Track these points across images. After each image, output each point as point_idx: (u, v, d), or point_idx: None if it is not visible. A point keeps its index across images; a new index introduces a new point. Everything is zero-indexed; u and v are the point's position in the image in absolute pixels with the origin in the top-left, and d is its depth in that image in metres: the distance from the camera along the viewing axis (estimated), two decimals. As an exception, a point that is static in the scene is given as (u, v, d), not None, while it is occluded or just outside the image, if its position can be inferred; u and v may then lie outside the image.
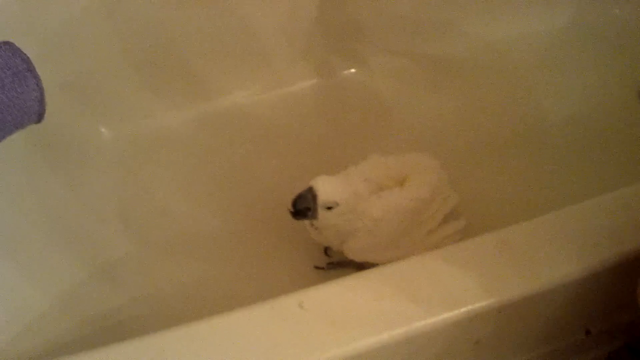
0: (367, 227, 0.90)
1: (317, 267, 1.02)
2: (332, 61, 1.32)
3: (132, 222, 1.08)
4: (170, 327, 0.68)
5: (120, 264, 1.01)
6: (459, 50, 1.34)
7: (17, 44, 0.57)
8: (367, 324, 0.68)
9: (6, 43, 0.54)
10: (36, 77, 0.50)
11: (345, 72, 1.32)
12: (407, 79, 1.32)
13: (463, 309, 0.69)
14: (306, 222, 0.92)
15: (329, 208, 0.87)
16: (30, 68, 0.51)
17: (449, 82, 1.32)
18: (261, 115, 1.26)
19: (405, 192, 0.92)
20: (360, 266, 0.96)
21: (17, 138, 0.68)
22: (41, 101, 0.52)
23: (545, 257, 0.74)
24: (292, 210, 0.88)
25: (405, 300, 0.70)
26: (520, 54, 1.35)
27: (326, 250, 1.02)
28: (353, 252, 0.94)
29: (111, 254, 1.02)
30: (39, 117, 0.54)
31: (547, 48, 1.36)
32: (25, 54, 0.52)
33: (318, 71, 1.31)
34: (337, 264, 0.99)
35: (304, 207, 0.88)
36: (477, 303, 0.69)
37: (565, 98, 1.28)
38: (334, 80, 1.31)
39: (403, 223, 0.92)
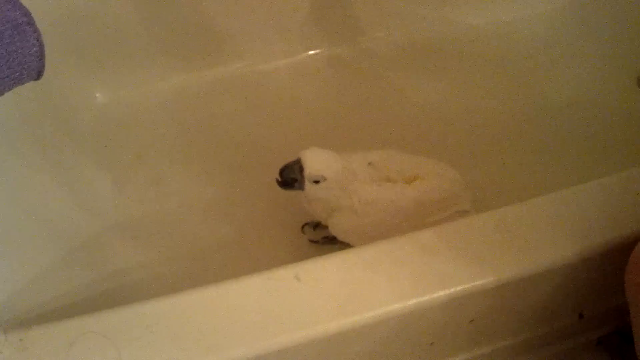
0: (354, 207, 0.89)
1: (311, 241, 1.01)
2: (339, 33, 1.31)
3: (127, 190, 1.07)
4: (165, 295, 0.67)
5: (113, 231, 1.01)
6: (458, 35, 1.34)
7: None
8: (362, 299, 0.68)
9: (6, -5, 0.52)
10: (36, 31, 0.49)
11: (349, 46, 1.31)
12: (405, 62, 1.31)
13: (459, 288, 0.69)
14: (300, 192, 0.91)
15: (317, 182, 0.86)
16: (30, 22, 0.49)
17: (447, 66, 1.31)
18: (263, 84, 1.25)
19: (407, 190, 0.90)
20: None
21: (12, 97, 0.67)
22: (41, 57, 0.50)
23: (542, 239, 0.74)
24: (279, 179, 0.88)
25: (402, 276, 0.69)
26: (520, 38, 1.34)
27: (304, 225, 1.02)
28: (336, 229, 0.93)
29: (105, 221, 1.01)
30: (38, 74, 0.52)
31: (547, 32, 1.35)
32: (25, 8, 0.50)
33: (323, 41, 1.30)
34: (332, 238, 0.98)
35: (290, 177, 0.87)
36: (472, 282, 0.69)
37: (566, 82, 1.27)
38: (340, 51, 1.31)
39: (394, 218, 0.90)
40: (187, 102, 1.21)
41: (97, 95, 1.17)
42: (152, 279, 0.94)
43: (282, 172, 0.87)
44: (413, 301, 0.68)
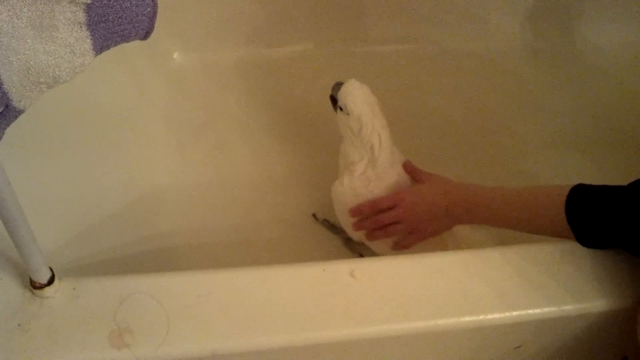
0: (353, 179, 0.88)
1: (314, 216, 1.02)
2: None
3: (189, 153, 1.07)
4: (217, 267, 0.67)
5: (169, 193, 1.01)
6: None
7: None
8: (415, 307, 0.66)
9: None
10: (153, -9, 0.48)
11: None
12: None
13: (515, 313, 0.67)
14: None
15: (341, 109, 0.85)
16: (147, -20, 0.48)
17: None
18: (313, 68, 1.24)
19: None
20: (347, 240, 0.97)
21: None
22: (152, 18, 0.50)
23: (602, 281, 0.72)
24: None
25: (457, 293, 0.68)
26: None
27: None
28: (333, 195, 0.92)
29: (163, 181, 1.01)
30: (146, 34, 0.51)
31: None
32: (144, -35, 0.49)
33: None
34: (331, 225, 0.99)
35: (332, 93, 0.86)
36: (530, 309, 0.67)
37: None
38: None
39: None
40: (261, 75, 1.20)
41: (175, 55, 1.17)
42: (201, 245, 0.94)
43: (333, 86, 0.87)
44: (464, 319, 0.66)
